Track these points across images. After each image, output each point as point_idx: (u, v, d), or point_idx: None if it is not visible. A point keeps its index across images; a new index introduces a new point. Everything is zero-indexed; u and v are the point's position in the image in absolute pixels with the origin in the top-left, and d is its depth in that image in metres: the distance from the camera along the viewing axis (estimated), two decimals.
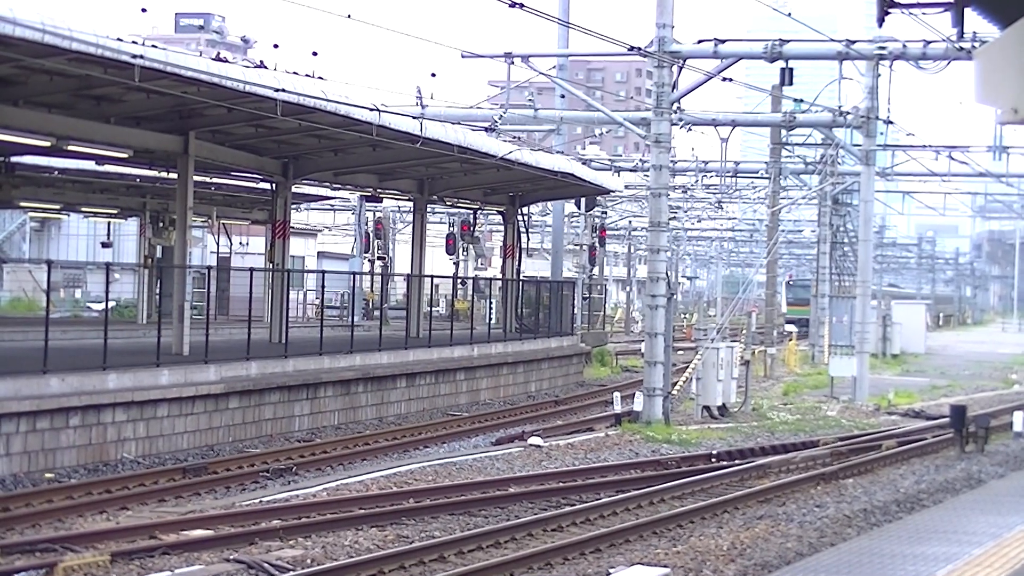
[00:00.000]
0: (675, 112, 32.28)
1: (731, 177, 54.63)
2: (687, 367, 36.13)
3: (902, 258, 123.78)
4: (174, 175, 29.29)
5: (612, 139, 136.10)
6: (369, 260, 58.87)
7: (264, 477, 22.00)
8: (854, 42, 32.02)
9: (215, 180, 37.81)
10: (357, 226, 59.92)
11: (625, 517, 19.06)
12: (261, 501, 19.39)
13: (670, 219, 42.96)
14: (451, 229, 59.26)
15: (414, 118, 29.12)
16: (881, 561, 14.04)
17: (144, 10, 47.35)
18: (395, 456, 25.38)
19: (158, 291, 39.32)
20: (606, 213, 66.12)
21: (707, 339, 34.74)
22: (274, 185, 32.78)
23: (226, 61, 23.65)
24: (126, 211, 46.50)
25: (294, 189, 34.30)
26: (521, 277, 44.90)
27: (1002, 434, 29.41)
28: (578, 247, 58.64)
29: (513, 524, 17.73)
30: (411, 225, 40.81)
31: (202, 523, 17.38)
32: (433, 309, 46.84)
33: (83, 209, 47.52)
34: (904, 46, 31.44)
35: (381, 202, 47.54)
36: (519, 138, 39.52)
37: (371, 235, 59.05)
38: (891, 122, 41.50)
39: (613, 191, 48.77)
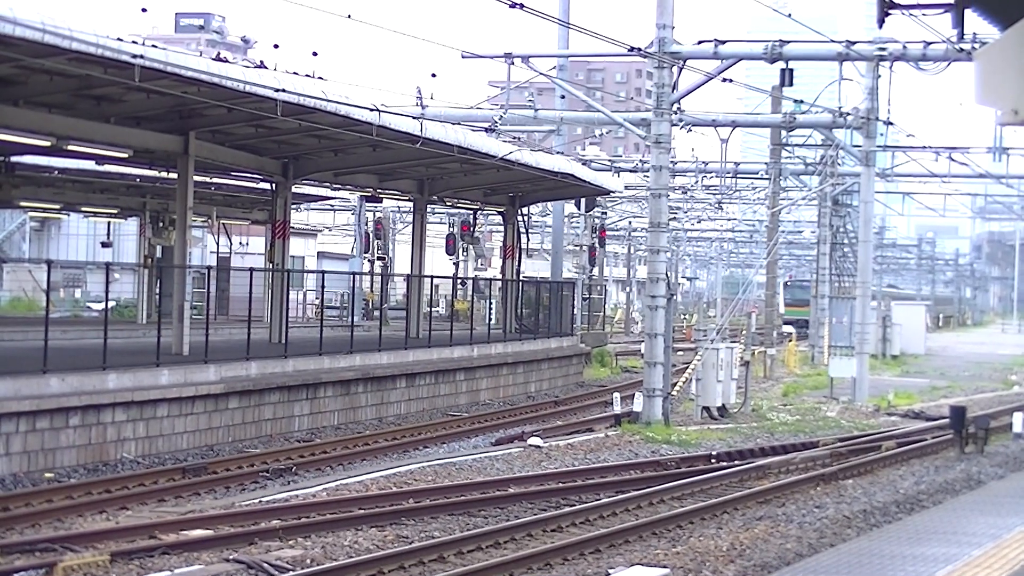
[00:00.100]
0: (675, 113, 32.28)
1: (731, 178, 54.58)
2: (687, 368, 36.14)
3: (902, 259, 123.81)
4: (174, 175, 29.30)
5: (612, 140, 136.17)
6: (369, 260, 58.86)
7: (264, 477, 22.01)
8: (854, 43, 32.02)
9: (215, 180, 37.82)
10: (357, 226, 59.91)
11: (625, 518, 19.06)
12: (261, 501, 19.39)
13: (670, 220, 42.93)
14: (451, 229, 59.30)
15: (414, 118, 29.13)
16: (881, 562, 14.05)
17: (144, 10, 47.46)
18: (395, 456, 25.38)
19: (158, 291, 39.31)
20: (606, 214, 66.16)
21: (707, 340, 34.74)
22: (274, 185, 32.79)
23: (226, 61, 23.65)
24: (126, 211, 46.50)
25: (294, 189, 34.30)
26: (521, 277, 44.91)
27: (1002, 435, 29.41)
28: (578, 248, 58.67)
29: (513, 524, 17.73)
30: (411, 225, 40.81)
31: (202, 523, 17.38)
32: (433, 309, 46.85)
33: (83, 209, 47.51)
34: (904, 47, 31.44)
35: (381, 202, 47.54)
36: (519, 138, 39.52)
37: (371, 235, 59.04)
38: (891, 123, 41.51)
39: (613, 192, 48.79)
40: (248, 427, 26.10)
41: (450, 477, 22.05)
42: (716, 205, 67.42)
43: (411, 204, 41.04)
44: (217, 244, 53.84)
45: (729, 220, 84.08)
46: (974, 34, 24.32)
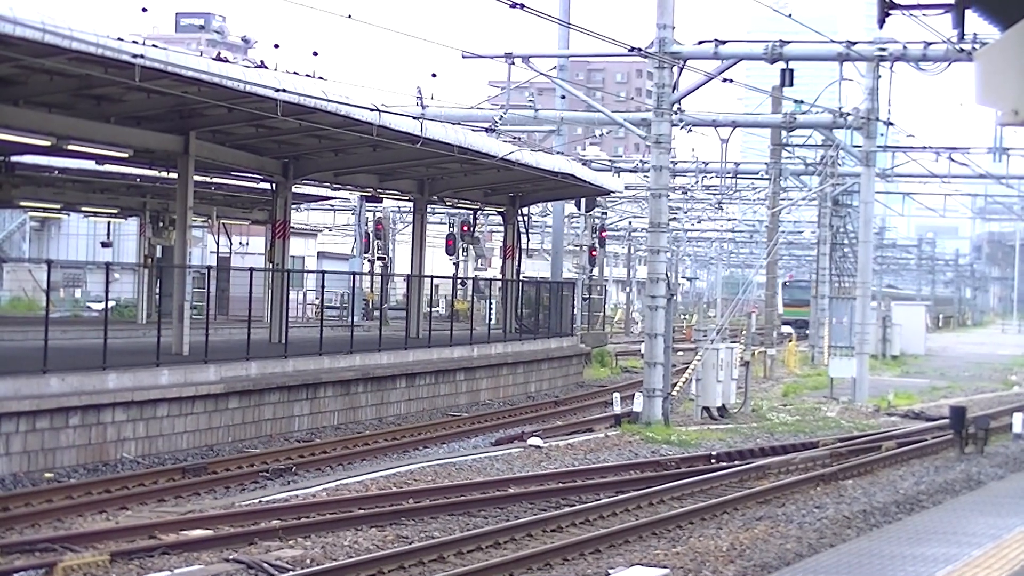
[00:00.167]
0: (675, 113, 32.28)
1: (731, 178, 54.59)
2: (687, 368, 36.13)
3: (902, 259, 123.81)
4: (174, 175, 29.30)
5: (612, 140, 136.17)
6: (369, 260, 58.86)
7: (264, 477, 22.01)
8: (854, 43, 32.02)
9: (215, 180, 37.81)
10: (357, 226, 59.91)
11: (625, 518, 19.06)
12: (261, 501, 19.39)
13: (670, 220, 42.95)
14: (451, 229, 59.31)
15: (414, 118, 29.13)
16: (880, 562, 14.05)
17: (144, 10, 47.45)
18: (395, 456, 25.38)
19: (158, 291, 39.33)
20: (606, 214, 66.16)
21: (707, 340, 34.74)
22: (274, 185, 32.79)
23: (226, 61, 23.65)
24: (126, 211, 46.50)
25: (294, 189, 34.30)
26: (521, 278, 44.91)
27: (1002, 435, 29.40)
28: (578, 248, 58.65)
29: (513, 524, 17.73)
30: (411, 225, 40.81)
31: (202, 523, 17.38)
32: (433, 309, 46.84)
33: (83, 209, 47.51)
34: (904, 47, 31.43)
35: (381, 202, 47.55)
36: (519, 138, 39.51)
37: (371, 235, 59.04)
38: (891, 123, 41.50)
39: (613, 192, 48.78)
40: (248, 427, 26.11)
41: (450, 477, 22.05)
42: (716, 205, 67.42)
43: (411, 204, 41.04)
44: (217, 244, 53.84)
45: (729, 220, 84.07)
46: (974, 34, 24.33)
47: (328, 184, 39.28)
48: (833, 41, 33.28)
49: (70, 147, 25.34)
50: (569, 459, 24.93)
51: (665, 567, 15.21)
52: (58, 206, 45.69)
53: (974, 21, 9.49)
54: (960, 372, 55.28)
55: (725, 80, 31.86)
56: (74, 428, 21.45)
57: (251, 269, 30.21)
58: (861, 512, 19.54)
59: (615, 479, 22.55)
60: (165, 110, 25.40)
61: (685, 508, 19.57)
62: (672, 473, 23.33)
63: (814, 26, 35.28)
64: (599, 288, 64.72)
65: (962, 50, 28.58)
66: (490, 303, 45.50)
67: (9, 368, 21.22)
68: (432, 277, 43.95)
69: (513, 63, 34.54)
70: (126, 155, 27.00)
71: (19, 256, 61.24)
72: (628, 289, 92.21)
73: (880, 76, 39.95)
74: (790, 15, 33.72)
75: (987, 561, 14.06)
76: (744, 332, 43.13)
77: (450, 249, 56.96)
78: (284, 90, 23.17)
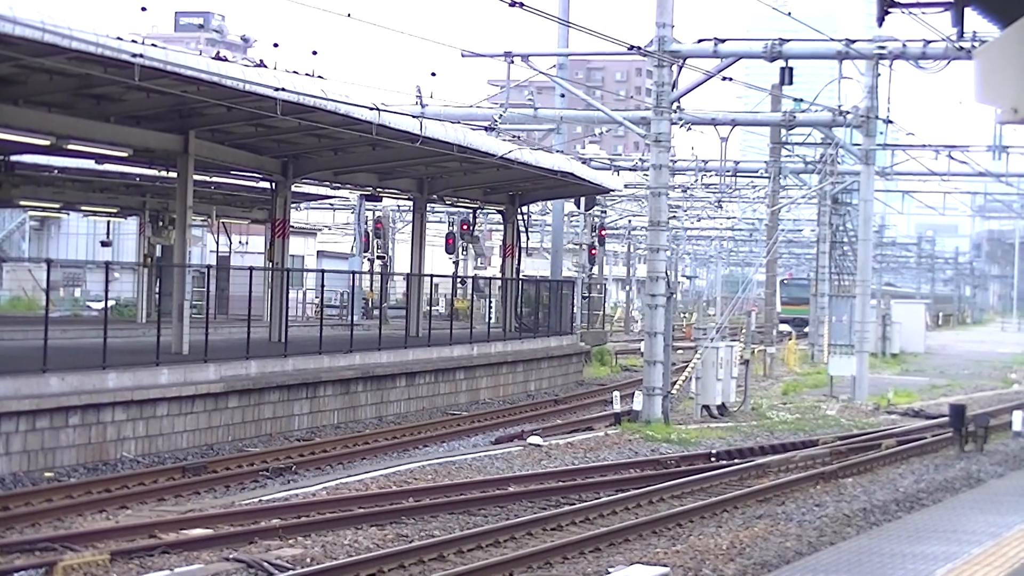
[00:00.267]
0: (675, 111, 32.28)
1: (731, 176, 54.55)
2: (686, 366, 36.14)
3: (902, 257, 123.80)
4: (174, 174, 29.30)
5: (612, 138, 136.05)
6: (369, 259, 58.86)
7: (263, 476, 22.01)
8: (854, 41, 32.01)
9: (215, 179, 37.79)
10: (357, 225, 59.91)
11: (624, 516, 19.07)
12: (260, 500, 19.40)
13: (669, 218, 42.95)
14: (451, 228, 59.30)
15: (414, 117, 29.14)
16: (880, 560, 14.05)
17: (144, 9, 47.35)
18: (394, 455, 25.38)
19: (158, 290, 39.32)
20: (605, 212, 66.10)
21: (706, 338, 34.74)
22: (274, 184, 32.79)
23: (226, 60, 23.64)
24: (126, 210, 46.50)
25: (294, 188, 34.30)
26: (521, 276, 44.91)
27: (1001, 433, 29.42)
28: (578, 246, 58.62)
29: (512, 523, 17.73)
30: (411, 224, 40.81)
31: (201, 522, 17.38)
32: (433, 308, 46.84)
33: (83, 208, 47.51)
34: (904, 45, 31.43)
35: (381, 201, 47.54)
36: (519, 137, 39.51)
37: (371, 234, 59.04)
38: (891, 121, 41.49)
39: (613, 190, 48.75)
40: (248, 426, 26.11)
41: (450, 476, 22.05)
42: (716, 204, 67.43)
43: (411, 203, 41.03)
44: (217, 243, 53.84)
45: (729, 219, 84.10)
46: (974, 32, 24.30)
47: (328, 183, 39.29)
48: (833, 39, 33.27)
49: (70, 146, 25.35)
50: (569, 458, 24.94)
51: (665, 566, 15.20)
52: (58, 205, 45.69)
53: (973, 19, 9.49)
54: (960, 370, 55.30)
55: (724, 79, 31.87)
56: (74, 427, 21.46)
57: (251, 268, 30.22)
58: (861, 510, 19.55)
59: (615, 478, 22.55)
60: (165, 109, 25.40)
61: (685, 507, 19.58)
62: (672, 472, 23.34)
63: (813, 24, 35.25)
64: (599, 287, 64.66)
65: (961, 48, 28.58)
66: (490, 302, 45.50)
67: (9, 367, 21.22)
68: (432, 276, 43.97)
69: (512, 62, 34.52)
70: (126, 154, 27.01)
71: (19, 255, 61.25)
72: (628, 287, 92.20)
73: (879, 74, 39.94)
74: (789, 13, 33.65)
75: (987, 559, 14.07)
76: (744, 330, 43.16)
77: (450, 248, 56.95)
78: (283, 89, 23.17)
